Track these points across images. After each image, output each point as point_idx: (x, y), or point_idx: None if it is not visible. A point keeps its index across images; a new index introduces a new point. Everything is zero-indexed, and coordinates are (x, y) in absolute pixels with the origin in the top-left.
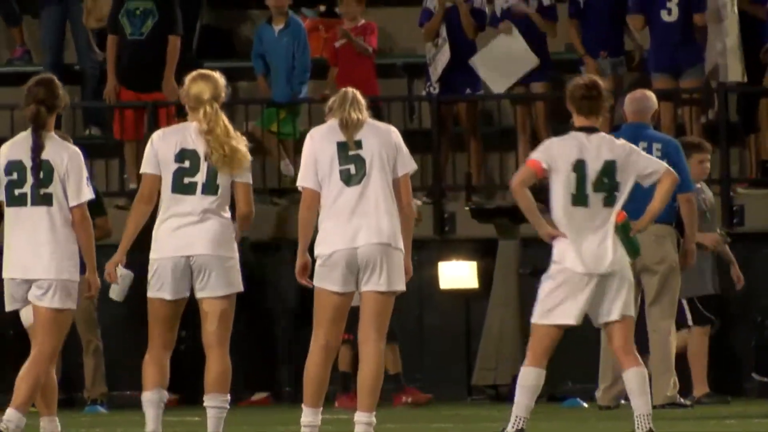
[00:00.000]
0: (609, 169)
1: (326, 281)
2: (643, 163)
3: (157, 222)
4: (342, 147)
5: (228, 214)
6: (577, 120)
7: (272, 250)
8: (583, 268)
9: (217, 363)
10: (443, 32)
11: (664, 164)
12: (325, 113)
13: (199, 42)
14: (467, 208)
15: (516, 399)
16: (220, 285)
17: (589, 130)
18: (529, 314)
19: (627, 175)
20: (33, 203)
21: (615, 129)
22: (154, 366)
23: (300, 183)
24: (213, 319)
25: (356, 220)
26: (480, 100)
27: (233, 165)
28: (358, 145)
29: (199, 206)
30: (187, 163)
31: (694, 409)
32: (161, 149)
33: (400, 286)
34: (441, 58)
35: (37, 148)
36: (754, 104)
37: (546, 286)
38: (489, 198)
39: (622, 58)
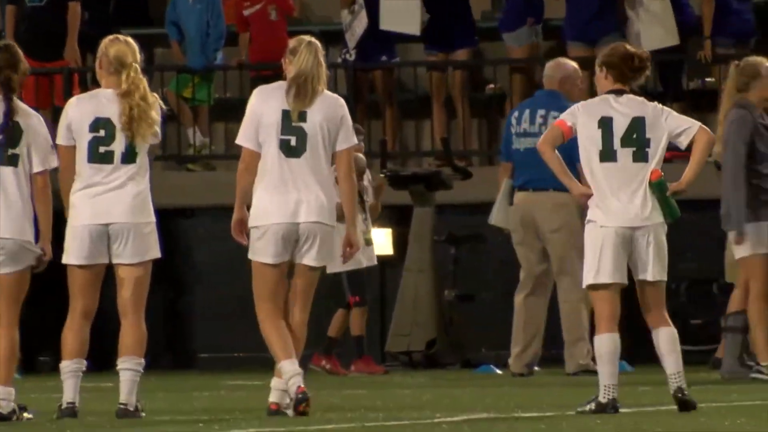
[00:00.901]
0: (637, 125)
1: (261, 254)
2: (674, 123)
3: (73, 190)
4: (286, 115)
5: (147, 181)
6: (606, 84)
7: (186, 217)
8: (614, 222)
9: (132, 329)
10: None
11: (698, 123)
12: (285, 59)
13: (114, 9)
14: (382, 175)
15: (599, 369)
16: (136, 252)
17: (618, 92)
18: (443, 281)
19: (658, 133)
20: (1, 163)
21: (530, 95)
22: (74, 335)
23: (239, 141)
24: (129, 285)
25: (294, 194)
26: (396, 67)
27: (141, 132)
28: (302, 117)
29: (116, 174)
30: (101, 132)
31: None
32: (75, 118)
33: (331, 260)
34: (358, 25)
35: (10, 111)
36: (677, 71)
37: (588, 248)
38: (404, 165)
39: (539, 27)
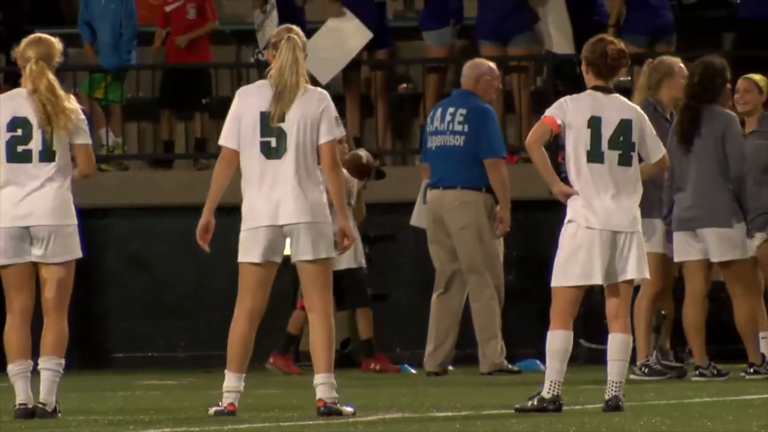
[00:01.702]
0: (625, 127)
1: (247, 254)
2: (649, 137)
3: None
4: (265, 117)
5: (68, 179)
6: (589, 79)
7: (99, 218)
8: (596, 224)
9: (54, 328)
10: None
11: (663, 151)
12: (269, 53)
13: (29, 9)
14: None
15: (547, 364)
16: (58, 252)
17: (606, 90)
18: None
19: (639, 138)
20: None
21: (446, 95)
22: (17, 336)
23: (221, 141)
24: (51, 285)
25: (277, 196)
26: None
27: (61, 125)
28: (282, 117)
29: (35, 174)
30: (19, 131)
31: (522, 375)
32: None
33: (326, 253)
34: (269, 25)
35: None
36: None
37: (563, 246)
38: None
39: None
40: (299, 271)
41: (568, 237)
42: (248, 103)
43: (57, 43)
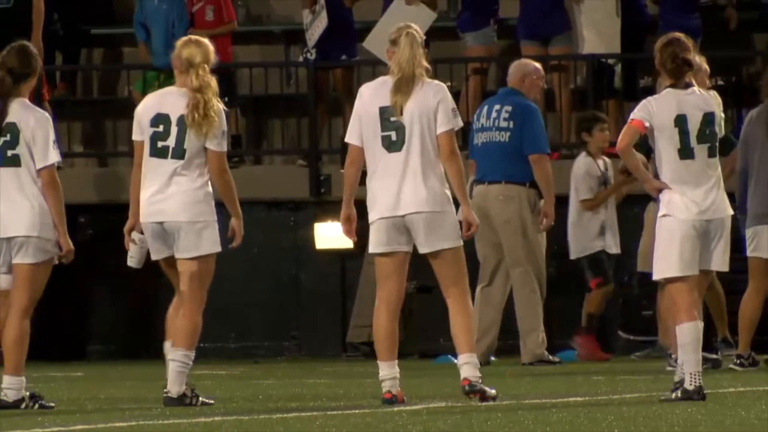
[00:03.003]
0: (708, 120)
1: (375, 245)
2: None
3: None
4: (384, 111)
5: (202, 178)
6: (668, 80)
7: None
8: (688, 215)
9: (186, 320)
10: (321, 0)
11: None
12: (389, 50)
13: (84, 9)
14: (342, 171)
15: (683, 358)
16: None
17: (684, 86)
18: None
19: (719, 130)
20: (2, 164)
21: (491, 94)
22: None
23: (346, 139)
24: (184, 279)
25: (398, 187)
26: (355, 65)
27: (203, 126)
28: (401, 111)
29: (169, 171)
30: (161, 127)
31: (562, 366)
32: (142, 115)
33: (449, 243)
34: (318, 25)
35: (2, 113)
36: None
37: (661, 241)
38: None
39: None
40: (430, 260)
41: (666, 230)
42: (368, 101)
43: (210, 45)
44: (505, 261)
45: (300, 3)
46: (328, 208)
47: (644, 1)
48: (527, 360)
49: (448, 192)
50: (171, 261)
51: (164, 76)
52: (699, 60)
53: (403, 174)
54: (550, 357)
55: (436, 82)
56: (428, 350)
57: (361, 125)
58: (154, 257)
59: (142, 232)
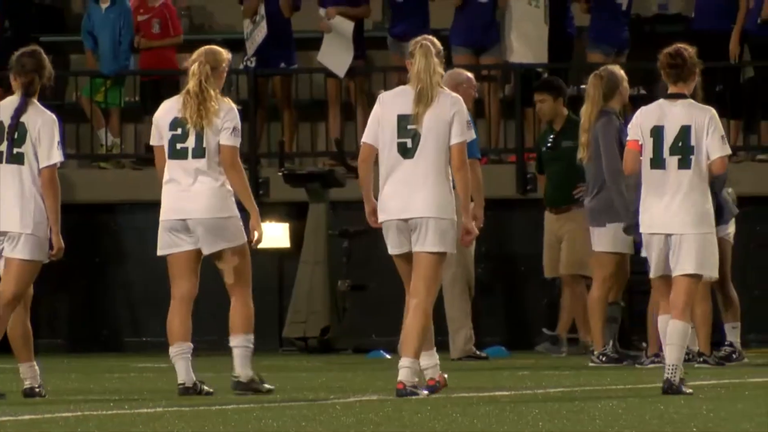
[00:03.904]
0: (684, 133)
1: (390, 247)
2: (709, 139)
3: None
4: (402, 119)
5: (222, 175)
6: (669, 87)
7: (104, 213)
8: (653, 228)
9: (239, 309)
10: (261, 10)
11: (721, 152)
12: (408, 62)
13: (36, 18)
14: (280, 174)
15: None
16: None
17: (675, 96)
18: (337, 272)
19: (701, 141)
20: (7, 161)
21: None
22: (178, 320)
23: (363, 139)
24: (228, 273)
25: (408, 192)
26: (294, 73)
27: (203, 127)
28: (417, 120)
29: (192, 169)
30: (179, 130)
31: (489, 361)
32: (161, 120)
33: (444, 248)
34: (258, 34)
35: (19, 112)
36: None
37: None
38: (301, 164)
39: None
40: (414, 260)
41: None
42: (388, 107)
43: (224, 52)
44: None
45: (241, 13)
46: (266, 210)
47: (572, 12)
48: (456, 356)
49: (453, 201)
50: (180, 257)
51: (110, 82)
52: (620, 72)
53: (414, 180)
54: (478, 353)
55: (454, 94)
56: (362, 345)
57: (378, 129)
58: (164, 252)
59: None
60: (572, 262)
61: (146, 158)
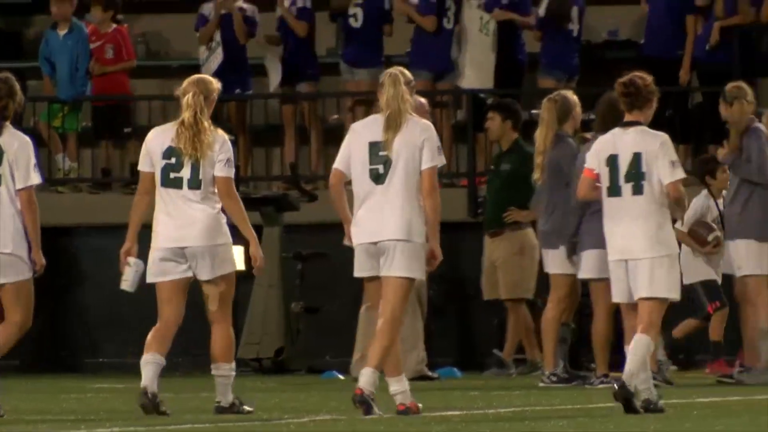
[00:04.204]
0: (636, 160)
1: (357, 269)
2: (659, 164)
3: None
4: (373, 146)
5: (217, 203)
6: (625, 116)
7: (62, 236)
8: (613, 255)
9: (220, 337)
10: (217, 37)
11: (671, 177)
12: (379, 92)
13: None
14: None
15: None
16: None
17: (628, 124)
18: (291, 294)
19: (652, 167)
20: None
21: None
22: (158, 339)
23: (335, 165)
24: (213, 299)
25: (379, 217)
26: (249, 99)
27: (198, 159)
28: (388, 147)
29: (187, 198)
30: (173, 160)
31: (441, 381)
32: (153, 147)
33: (413, 274)
34: (214, 60)
35: None
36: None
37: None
38: (255, 188)
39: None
40: (383, 282)
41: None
42: (359, 135)
43: (213, 82)
44: None
45: (197, 40)
46: None
47: (523, 39)
48: (407, 376)
49: (422, 225)
50: (172, 284)
51: (68, 108)
52: (573, 97)
53: (386, 204)
54: (430, 373)
55: (424, 120)
56: (315, 366)
57: (351, 158)
58: (159, 279)
59: (137, 257)
60: (509, 285)
61: (102, 183)
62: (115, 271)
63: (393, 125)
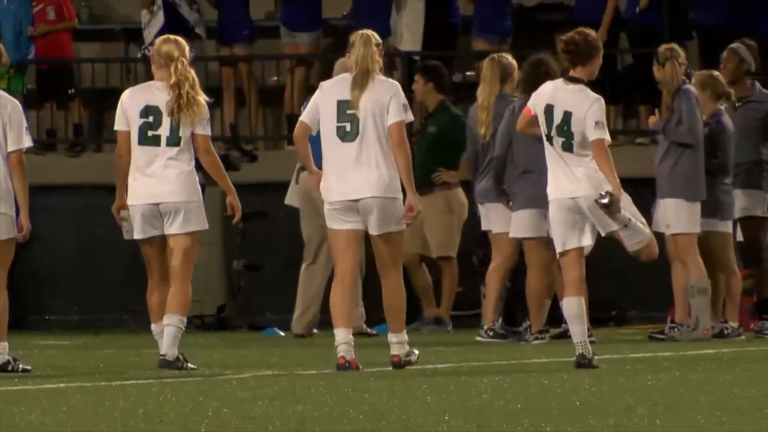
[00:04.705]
0: (566, 119)
1: (332, 222)
2: (587, 124)
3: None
4: (341, 104)
5: (191, 162)
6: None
7: None
8: (555, 195)
9: (179, 291)
10: (158, 1)
11: (598, 135)
12: (347, 52)
13: None
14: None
15: (572, 330)
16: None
17: (571, 79)
18: (232, 252)
19: (579, 127)
20: None
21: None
22: (156, 299)
23: (301, 117)
24: (177, 254)
25: (352, 175)
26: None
27: (190, 115)
28: (356, 105)
29: (165, 156)
30: (150, 118)
31: (379, 337)
32: (129, 107)
33: (394, 227)
34: (155, 24)
35: None
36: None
37: (550, 219)
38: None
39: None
40: (372, 243)
41: (550, 209)
42: (327, 93)
43: (184, 43)
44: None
45: (139, 3)
46: None
47: (457, 3)
48: None
49: (398, 180)
50: (154, 242)
51: (13, 71)
52: (511, 59)
53: (356, 162)
54: (368, 330)
55: (391, 80)
56: (256, 323)
57: (318, 113)
58: (140, 236)
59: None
60: (439, 244)
61: (48, 143)
62: (62, 230)
63: (361, 84)
